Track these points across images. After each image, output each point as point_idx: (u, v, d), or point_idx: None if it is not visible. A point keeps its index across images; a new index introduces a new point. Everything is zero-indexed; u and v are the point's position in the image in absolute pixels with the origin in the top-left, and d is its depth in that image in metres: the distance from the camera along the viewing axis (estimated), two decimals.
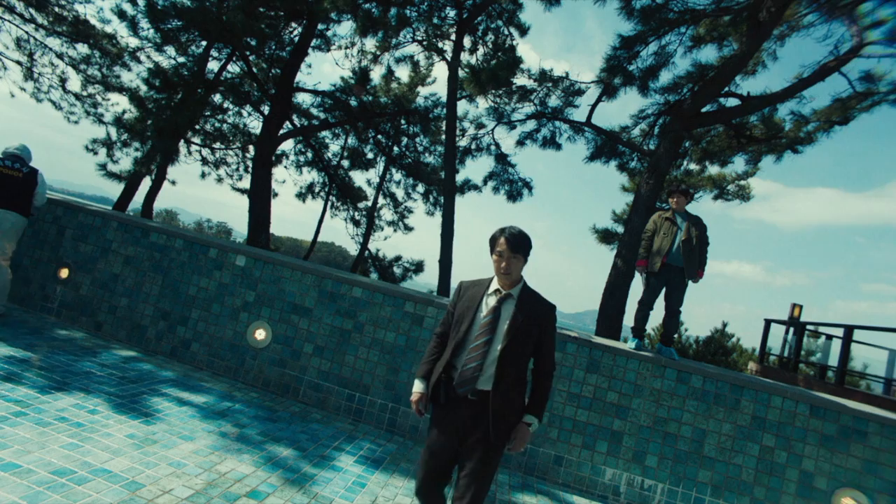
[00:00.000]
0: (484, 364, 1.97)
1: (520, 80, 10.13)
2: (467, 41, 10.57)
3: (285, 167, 14.26)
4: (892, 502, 3.44)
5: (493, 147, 11.84)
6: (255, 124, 13.14)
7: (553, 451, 3.87)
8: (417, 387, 2.13)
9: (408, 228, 15.54)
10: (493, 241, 2.08)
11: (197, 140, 12.81)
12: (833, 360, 8.10)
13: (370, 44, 11.11)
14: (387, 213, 15.38)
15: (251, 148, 13.07)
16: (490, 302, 2.08)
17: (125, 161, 11.16)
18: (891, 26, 6.72)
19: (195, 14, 8.59)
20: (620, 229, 11.78)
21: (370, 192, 15.05)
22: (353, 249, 16.00)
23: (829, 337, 8.75)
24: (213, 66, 11.45)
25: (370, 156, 14.59)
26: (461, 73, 9.77)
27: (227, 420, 3.48)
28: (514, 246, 2.02)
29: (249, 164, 13.29)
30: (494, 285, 2.12)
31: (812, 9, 7.31)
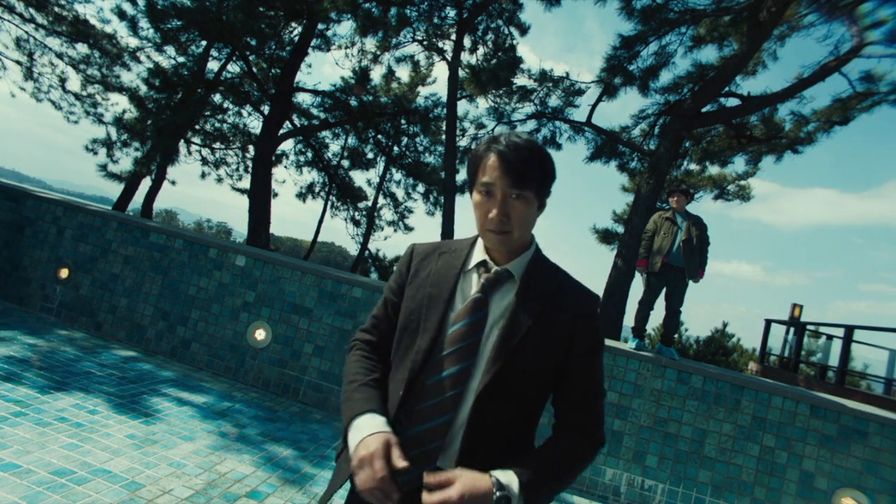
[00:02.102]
0: (453, 423, 0.98)
1: (520, 81, 10.13)
2: (467, 41, 10.57)
3: (285, 167, 14.27)
4: (892, 502, 3.44)
5: None
6: (255, 124, 13.15)
7: None
8: (372, 424, 0.93)
9: (408, 228, 15.56)
10: (476, 163, 1.02)
11: (197, 140, 12.80)
12: (833, 361, 8.11)
13: (370, 44, 11.12)
14: (387, 213, 15.40)
15: (251, 148, 13.06)
16: (469, 288, 1.06)
17: (125, 161, 11.17)
18: (891, 26, 6.72)
19: (195, 14, 8.59)
20: (621, 229, 11.78)
21: (370, 192, 15.07)
22: (353, 249, 16.01)
23: (830, 337, 8.75)
24: (213, 65, 11.45)
25: (370, 156, 14.60)
26: (461, 72, 9.77)
27: (227, 420, 3.47)
28: (517, 172, 0.96)
29: (249, 164, 13.29)
30: (479, 254, 1.09)
31: (812, 9, 7.31)
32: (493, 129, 11.50)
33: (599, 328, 1.09)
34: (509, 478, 0.90)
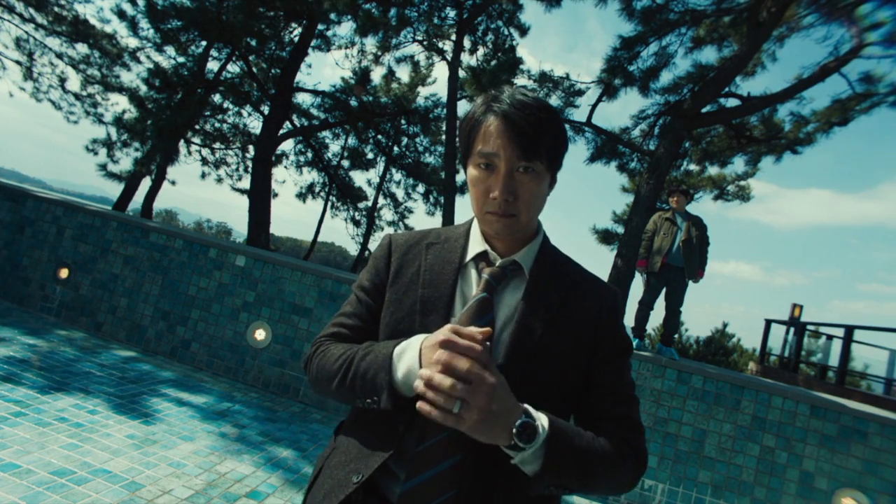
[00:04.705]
0: (465, 462, 0.78)
1: (520, 81, 10.13)
2: (467, 41, 10.58)
3: (285, 167, 14.27)
4: (892, 503, 3.44)
5: None
6: (255, 124, 13.16)
7: None
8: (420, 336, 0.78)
9: (408, 228, 15.57)
10: (472, 128, 0.84)
11: (197, 140, 12.81)
12: (833, 361, 8.12)
13: (370, 44, 11.12)
14: (387, 213, 15.40)
15: (251, 148, 13.06)
16: (469, 286, 0.87)
17: (125, 161, 11.17)
18: (890, 28, 6.72)
19: (195, 14, 8.59)
20: (620, 230, 11.78)
21: (370, 192, 15.08)
22: (353, 249, 16.02)
23: (830, 337, 8.76)
24: (212, 66, 11.46)
25: (370, 156, 14.61)
26: (461, 73, 9.77)
27: (227, 420, 3.47)
28: (526, 139, 0.79)
29: (249, 164, 13.28)
30: (477, 244, 0.90)
31: (812, 10, 7.32)
32: None
33: (624, 326, 0.92)
34: (539, 416, 0.73)
